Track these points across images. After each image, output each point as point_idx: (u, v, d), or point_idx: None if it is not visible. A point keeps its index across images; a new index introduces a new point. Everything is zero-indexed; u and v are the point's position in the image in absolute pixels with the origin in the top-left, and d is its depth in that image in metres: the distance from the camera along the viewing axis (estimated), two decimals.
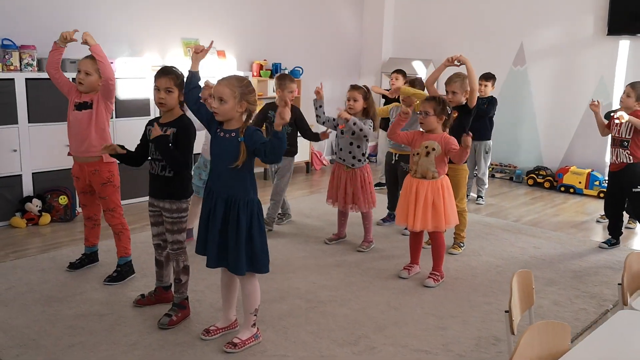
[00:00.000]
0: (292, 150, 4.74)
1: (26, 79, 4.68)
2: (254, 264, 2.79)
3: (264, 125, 4.58)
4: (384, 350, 2.91)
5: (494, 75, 6.00)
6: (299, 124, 4.68)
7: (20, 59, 4.83)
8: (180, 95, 3.05)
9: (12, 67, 4.79)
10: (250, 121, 2.79)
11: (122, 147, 3.13)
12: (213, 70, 6.16)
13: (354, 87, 4.28)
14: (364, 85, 4.36)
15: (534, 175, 6.92)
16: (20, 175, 4.78)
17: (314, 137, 4.70)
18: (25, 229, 4.69)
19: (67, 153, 3.74)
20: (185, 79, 2.98)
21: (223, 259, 2.80)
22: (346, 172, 4.31)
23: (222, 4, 6.53)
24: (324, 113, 4.38)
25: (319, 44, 7.80)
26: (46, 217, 4.81)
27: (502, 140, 7.00)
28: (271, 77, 6.96)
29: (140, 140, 3.20)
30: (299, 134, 4.79)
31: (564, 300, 3.57)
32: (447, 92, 4.27)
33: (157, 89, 3.03)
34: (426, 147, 3.70)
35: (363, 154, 4.28)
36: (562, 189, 6.66)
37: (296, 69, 7.27)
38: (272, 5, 7.11)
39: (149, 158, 3.15)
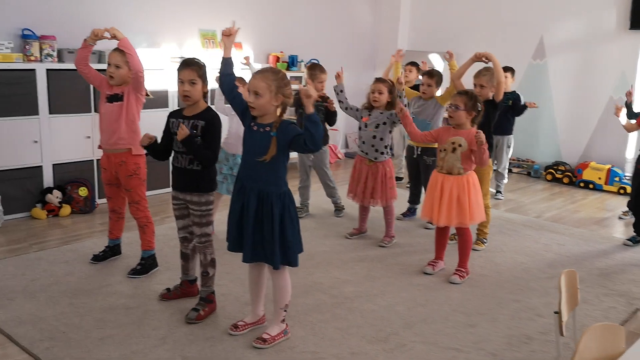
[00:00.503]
0: (325, 139, 4.81)
1: (47, 70, 4.66)
2: (286, 256, 2.77)
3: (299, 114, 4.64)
4: (414, 347, 2.88)
5: (512, 68, 5.92)
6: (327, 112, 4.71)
7: (41, 50, 4.80)
8: (204, 87, 3.02)
9: (32, 58, 4.76)
10: (285, 114, 2.75)
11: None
12: None
13: (379, 80, 4.23)
14: (388, 79, 4.32)
15: (553, 171, 6.86)
16: (40, 167, 4.77)
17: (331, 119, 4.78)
18: (45, 220, 4.68)
19: (98, 146, 3.69)
20: (220, 67, 2.92)
21: (259, 254, 2.77)
22: (368, 166, 4.27)
23: None
24: (346, 99, 4.38)
25: (336, 36, 7.75)
26: (66, 209, 4.80)
27: (520, 135, 6.91)
28: (288, 69, 6.92)
29: (163, 132, 3.15)
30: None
31: (592, 299, 3.53)
32: (474, 85, 4.22)
33: (180, 81, 2.99)
34: (452, 142, 3.66)
35: (386, 147, 4.25)
36: (582, 184, 6.60)
37: (312, 60, 7.21)
38: None
39: (174, 151, 3.11)
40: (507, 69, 5.82)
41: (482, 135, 3.44)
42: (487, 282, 3.74)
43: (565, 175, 6.74)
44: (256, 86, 2.65)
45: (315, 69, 4.64)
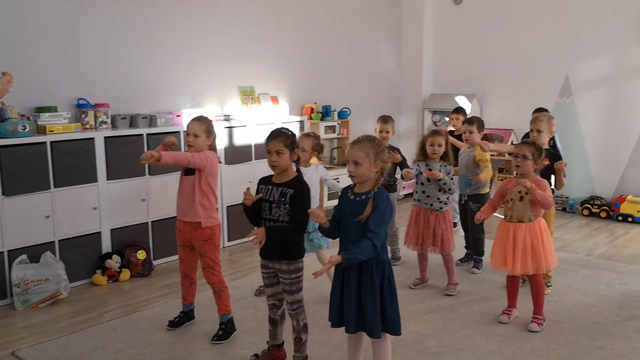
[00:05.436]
0: (393, 187, 4.89)
1: (105, 138, 4.75)
2: (386, 325, 2.79)
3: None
4: None
5: (547, 110, 5.99)
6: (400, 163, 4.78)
7: (95, 118, 4.92)
8: (292, 156, 3.07)
9: (87, 126, 4.87)
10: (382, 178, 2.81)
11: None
12: (268, 116, 6.25)
13: (436, 133, 4.31)
14: (443, 130, 4.41)
15: (589, 205, 6.91)
16: (99, 232, 4.81)
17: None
18: (107, 286, 4.69)
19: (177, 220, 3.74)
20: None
21: (361, 323, 2.80)
22: (434, 215, 4.32)
23: (273, 52, 6.65)
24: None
25: (364, 84, 7.91)
26: (126, 273, 4.82)
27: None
28: (322, 119, 7.05)
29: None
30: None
31: None
32: (531, 130, 4.31)
33: (268, 152, 3.06)
34: (519, 192, 3.72)
35: (447, 197, 4.32)
36: (620, 218, 6.64)
37: (344, 109, 7.37)
38: (319, 51, 7.23)
39: (262, 218, 3.15)
40: (542, 110, 5.89)
41: (526, 182, 3.56)
42: (565, 329, 3.74)
43: (603, 210, 6.79)
44: (355, 156, 2.72)
45: (389, 120, 4.87)
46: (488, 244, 4.88)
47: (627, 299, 4.26)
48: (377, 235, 2.65)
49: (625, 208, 6.64)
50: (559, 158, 4.36)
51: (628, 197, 6.67)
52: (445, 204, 4.31)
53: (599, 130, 7.05)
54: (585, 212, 6.94)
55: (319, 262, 4.19)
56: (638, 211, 6.55)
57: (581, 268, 4.96)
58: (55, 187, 4.50)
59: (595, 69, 6.99)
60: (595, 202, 6.89)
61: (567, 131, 7.14)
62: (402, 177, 4.41)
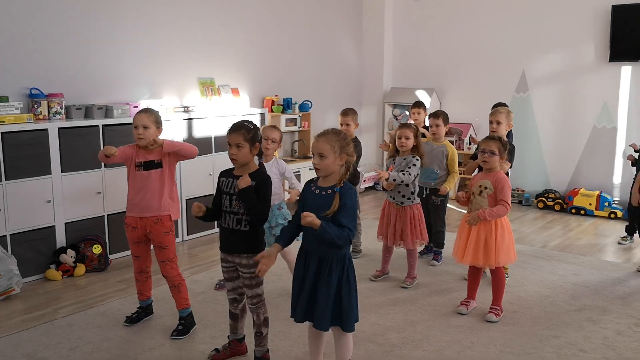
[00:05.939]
0: (355, 181, 4.78)
1: (59, 129, 4.59)
2: (341, 320, 2.77)
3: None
4: None
5: (505, 104, 6.12)
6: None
7: (49, 108, 4.75)
8: (253, 150, 3.03)
9: (41, 117, 4.70)
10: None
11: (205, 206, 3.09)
12: (228, 108, 6.17)
13: (405, 126, 4.32)
14: (412, 124, 4.42)
15: (544, 199, 7.10)
16: (53, 226, 4.66)
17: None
18: (61, 282, 4.55)
19: (125, 218, 3.63)
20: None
21: (310, 314, 2.78)
22: (396, 209, 4.35)
23: (234, 44, 6.56)
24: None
25: (325, 77, 7.89)
26: (81, 268, 4.68)
27: None
28: (283, 112, 7.00)
29: (216, 192, 3.16)
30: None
31: (625, 330, 3.66)
32: (491, 122, 4.38)
33: (228, 144, 3.02)
34: (480, 186, 3.79)
35: (412, 192, 4.34)
36: (573, 211, 6.85)
37: (305, 102, 7.34)
38: (280, 43, 7.18)
39: (223, 211, 3.10)
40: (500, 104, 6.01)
41: (475, 220, 3.67)
42: (521, 319, 3.84)
43: (557, 203, 6.99)
44: (320, 148, 2.70)
45: (348, 112, 4.86)
46: (448, 237, 4.98)
47: (580, 289, 4.39)
48: (352, 232, 2.66)
49: (578, 201, 6.84)
50: (512, 154, 4.45)
51: (581, 190, 6.88)
52: (409, 198, 4.33)
53: (554, 125, 7.25)
54: (540, 204, 7.12)
55: (282, 257, 4.16)
56: (590, 204, 6.76)
57: (536, 259, 5.10)
58: (6, 179, 4.33)
59: (551, 65, 7.17)
60: (550, 196, 7.09)
61: (523, 126, 7.32)
62: (383, 189, 4.39)
